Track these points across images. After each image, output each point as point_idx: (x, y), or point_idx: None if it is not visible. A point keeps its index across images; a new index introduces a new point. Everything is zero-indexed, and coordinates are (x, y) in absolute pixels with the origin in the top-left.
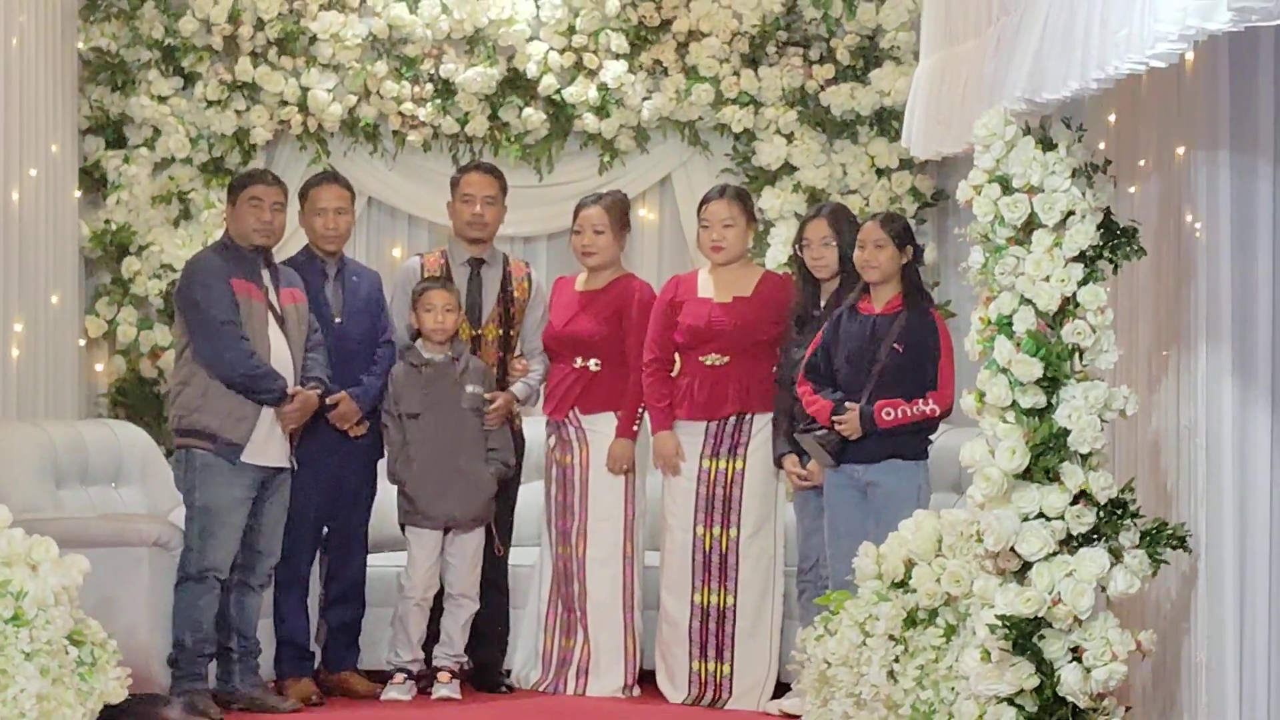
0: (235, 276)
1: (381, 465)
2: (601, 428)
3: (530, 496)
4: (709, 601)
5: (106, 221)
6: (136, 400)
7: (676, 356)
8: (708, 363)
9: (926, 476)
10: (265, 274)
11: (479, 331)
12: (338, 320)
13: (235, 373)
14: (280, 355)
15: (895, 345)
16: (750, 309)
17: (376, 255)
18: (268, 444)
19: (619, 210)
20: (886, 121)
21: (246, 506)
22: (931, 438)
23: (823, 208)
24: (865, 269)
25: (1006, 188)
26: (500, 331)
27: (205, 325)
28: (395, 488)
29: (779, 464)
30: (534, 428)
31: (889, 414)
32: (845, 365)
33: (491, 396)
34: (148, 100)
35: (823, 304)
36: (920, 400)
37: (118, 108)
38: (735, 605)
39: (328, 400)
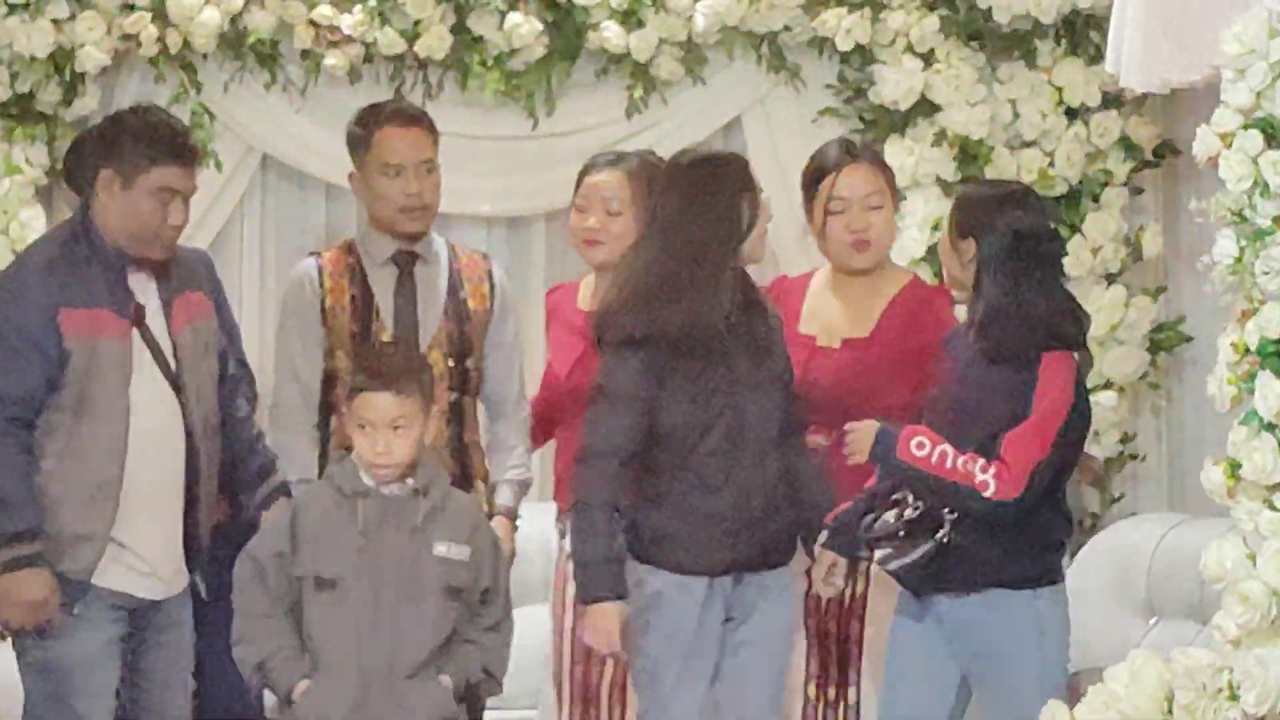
0: (73, 303)
1: None
2: None
3: (527, 629)
4: None
5: None
6: None
7: None
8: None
9: (1057, 608)
10: (140, 279)
11: None
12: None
13: None
14: (166, 432)
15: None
16: (878, 352)
17: (276, 248)
18: (141, 556)
19: (647, 178)
20: (1081, 34)
21: (116, 658)
22: (1065, 541)
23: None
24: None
25: (1274, 137)
26: (450, 362)
27: None
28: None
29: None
30: (531, 521)
31: (921, 447)
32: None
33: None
34: None
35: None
36: (971, 458)
37: None
38: None
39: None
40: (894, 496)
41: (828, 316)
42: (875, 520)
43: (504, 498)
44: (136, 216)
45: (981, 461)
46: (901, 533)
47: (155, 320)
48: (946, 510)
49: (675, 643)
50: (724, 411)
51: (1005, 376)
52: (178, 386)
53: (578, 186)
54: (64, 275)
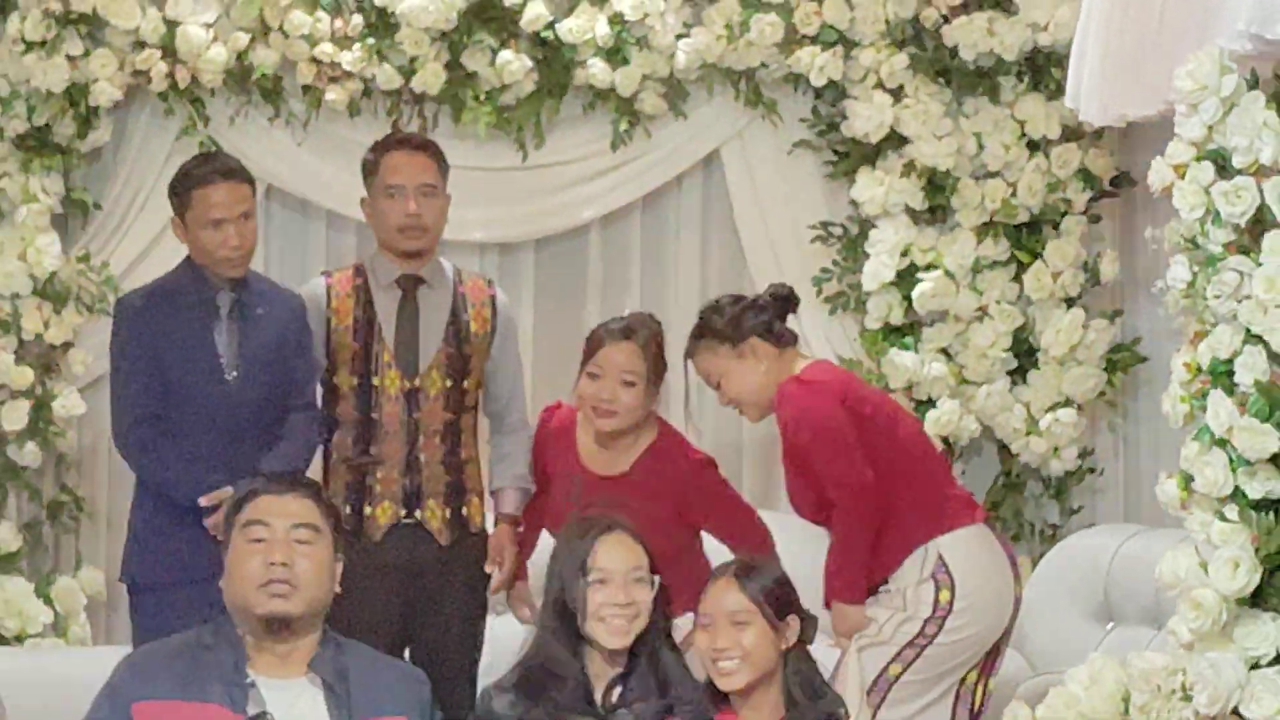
0: (156, 694)
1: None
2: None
3: None
4: None
5: None
6: None
7: None
8: None
9: None
10: (283, 686)
11: (415, 384)
12: (231, 376)
13: None
14: None
15: None
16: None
17: (279, 272)
18: None
19: (657, 346)
20: (1043, 70)
21: None
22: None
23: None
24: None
25: (1224, 168)
26: (448, 383)
27: None
28: None
29: None
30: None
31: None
32: None
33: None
34: None
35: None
36: None
37: None
38: None
39: None
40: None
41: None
42: None
43: (507, 505)
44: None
45: None
46: None
47: None
48: None
49: None
50: None
51: None
52: None
53: (591, 351)
54: (160, 663)
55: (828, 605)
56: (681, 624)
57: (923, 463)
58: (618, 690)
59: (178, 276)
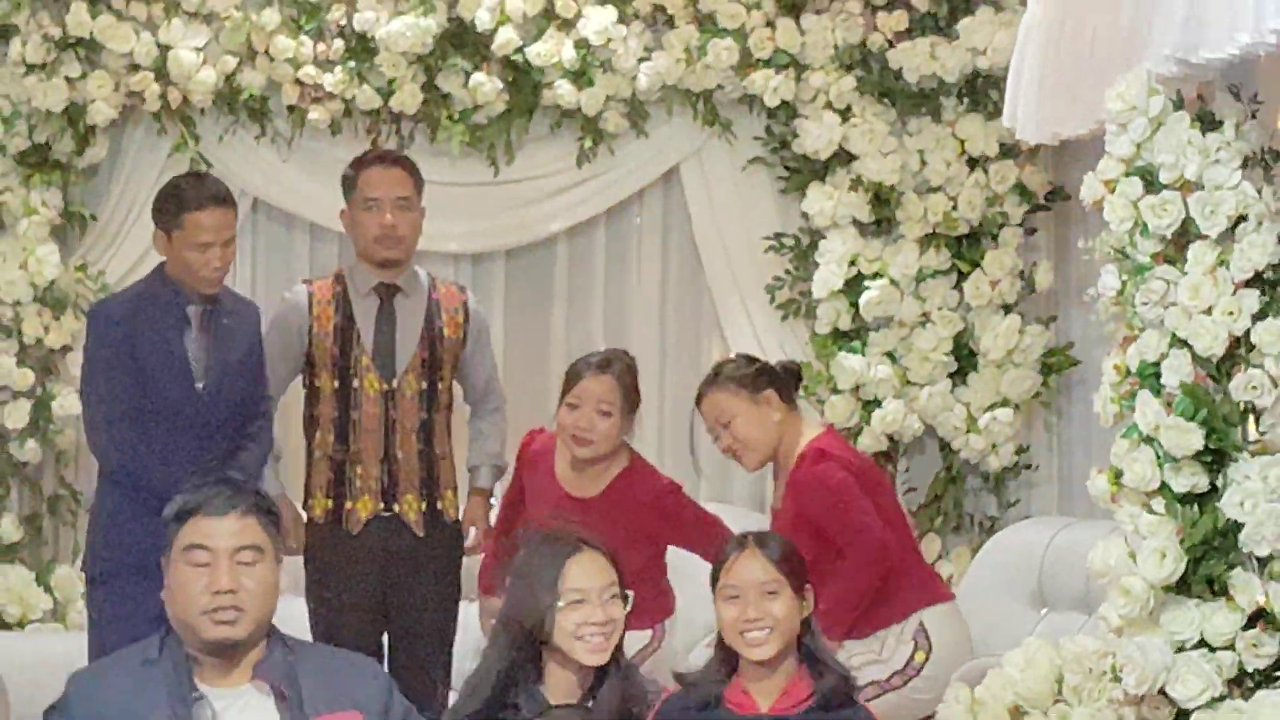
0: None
1: None
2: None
3: None
4: None
5: None
6: None
7: None
8: None
9: None
10: (236, 696)
11: (392, 386)
12: (199, 385)
13: None
14: None
15: None
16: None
17: (265, 281)
18: None
19: (632, 379)
20: (982, 92)
21: None
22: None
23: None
24: None
25: (1151, 183)
26: (423, 384)
27: None
28: None
29: None
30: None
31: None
32: None
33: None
34: None
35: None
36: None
37: None
38: None
39: None
40: None
41: None
42: None
43: (481, 480)
44: (185, 582)
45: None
46: None
47: None
48: None
49: None
50: None
51: None
52: None
53: (569, 384)
54: (104, 682)
55: None
56: (637, 639)
57: (911, 539)
58: (589, 704)
59: (151, 285)
